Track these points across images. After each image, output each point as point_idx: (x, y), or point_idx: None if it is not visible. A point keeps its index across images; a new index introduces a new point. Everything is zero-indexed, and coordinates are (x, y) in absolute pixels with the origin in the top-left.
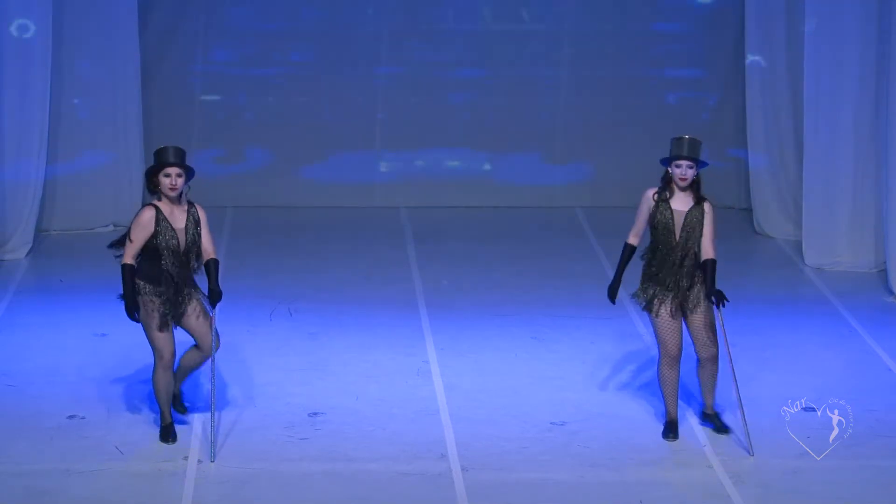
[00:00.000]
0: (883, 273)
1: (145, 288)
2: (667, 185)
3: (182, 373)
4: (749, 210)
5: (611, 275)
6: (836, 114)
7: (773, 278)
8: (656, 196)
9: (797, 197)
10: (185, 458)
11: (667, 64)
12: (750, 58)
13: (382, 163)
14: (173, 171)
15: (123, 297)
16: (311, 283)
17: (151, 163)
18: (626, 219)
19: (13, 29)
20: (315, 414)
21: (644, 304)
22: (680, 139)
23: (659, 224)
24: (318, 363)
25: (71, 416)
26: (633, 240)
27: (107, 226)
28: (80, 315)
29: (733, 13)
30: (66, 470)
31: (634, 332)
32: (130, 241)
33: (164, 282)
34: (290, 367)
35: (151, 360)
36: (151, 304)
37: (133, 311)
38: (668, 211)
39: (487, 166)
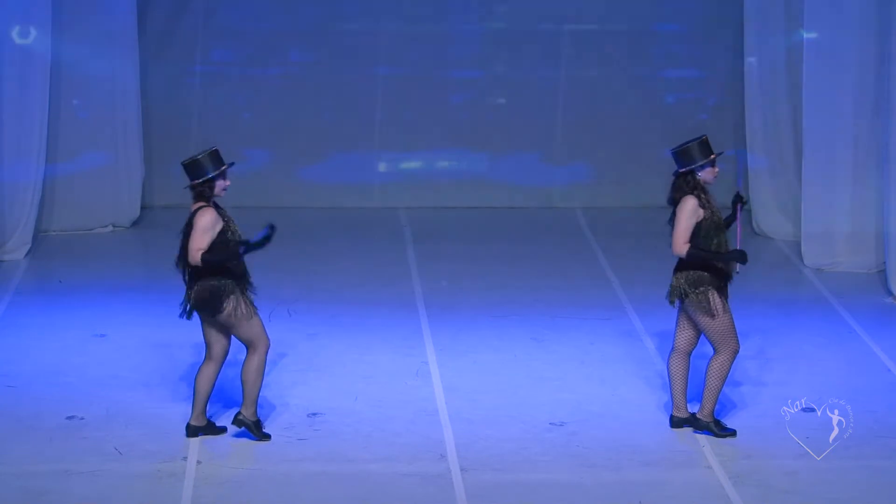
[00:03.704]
0: (882, 274)
1: (229, 285)
2: (697, 188)
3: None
4: (748, 211)
5: (611, 276)
6: (834, 114)
7: (773, 279)
8: (702, 205)
9: (796, 197)
10: (184, 458)
11: (666, 64)
12: (749, 58)
13: (381, 163)
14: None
15: (229, 258)
16: (309, 283)
17: (147, 168)
18: (624, 219)
19: (13, 30)
20: (314, 415)
21: (711, 310)
22: (701, 143)
23: (713, 227)
24: (316, 364)
25: (70, 417)
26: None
27: (106, 226)
28: (79, 316)
29: (732, 14)
30: (65, 471)
31: (633, 332)
32: (198, 244)
33: (238, 277)
34: (289, 367)
35: (148, 362)
36: (238, 298)
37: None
38: (717, 212)
39: (486, 167)
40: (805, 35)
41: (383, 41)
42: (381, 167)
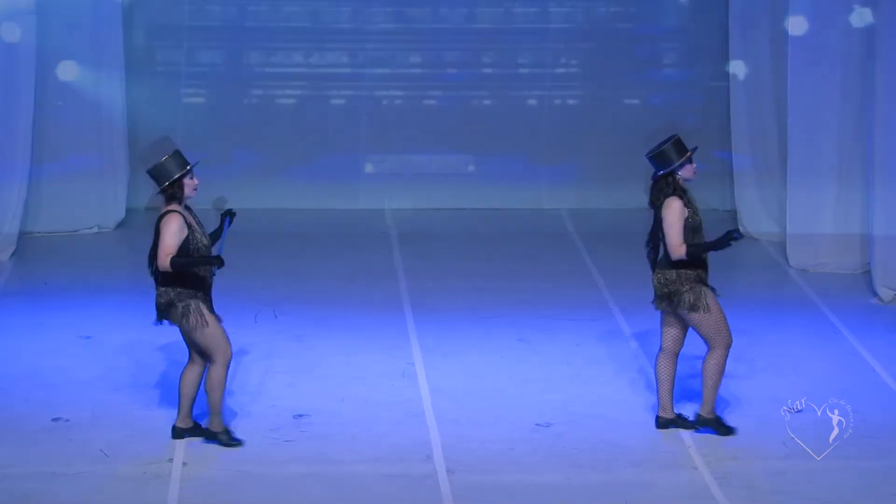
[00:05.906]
0: (867, 274)
1: (186, 294)
2: (677, 189)
3: (193, 396)
4: (733, 211)
5: (597, 279)
6: (820, 115)
7: (758, 280)
8: (685, 204)
9: (781, 198)
10: (170, 460)
11: (652, 66)
12: (734, 60)
13: (367, 164)
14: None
15: (202, 262)
16: (296, 285)
17: (132, 170)
18: (610, 220)
19: None
20: (300, 416)
21: (701, 306)
22: (675, 142)
23: (694, 225)
24: (303, 365)
25: (55, 419)
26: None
27: (91, 228)
28: (64, 317)
29: (718, 16)
30: (50, 473)
31: (619, 332)
32: (167, 250)
33: (198, 286)
34: (275, 369)
35: (133, 364)
36: (195, 306)
37: (220, 259)
38: (698, 212)
39: (472, 168)
40: (790, 35)
41: (369, 41)
42: (367, 168)
